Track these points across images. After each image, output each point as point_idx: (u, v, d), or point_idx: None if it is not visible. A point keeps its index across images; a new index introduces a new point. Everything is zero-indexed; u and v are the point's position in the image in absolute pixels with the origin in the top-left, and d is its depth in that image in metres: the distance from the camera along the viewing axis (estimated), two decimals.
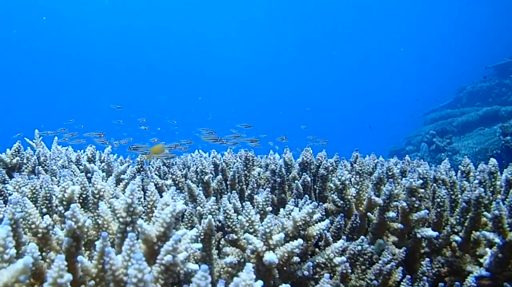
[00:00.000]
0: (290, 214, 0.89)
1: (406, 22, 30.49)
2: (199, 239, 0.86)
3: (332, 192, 1.25)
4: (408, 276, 0.94)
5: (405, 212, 1.09)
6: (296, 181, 1.28)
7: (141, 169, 1.46)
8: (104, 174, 1.40)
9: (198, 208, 1.08)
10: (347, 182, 1.18)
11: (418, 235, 1.07)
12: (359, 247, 0.97)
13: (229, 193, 1.35)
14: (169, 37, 34.00)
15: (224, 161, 1.52)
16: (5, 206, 0.80)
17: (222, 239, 1.02)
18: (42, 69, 31.74)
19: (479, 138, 7.28)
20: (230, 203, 0.99)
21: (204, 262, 0.86)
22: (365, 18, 29.70)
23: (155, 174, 1.57)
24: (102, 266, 0.63)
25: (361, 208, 1.19)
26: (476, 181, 1.17)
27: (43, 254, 0.72)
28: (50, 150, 1.72)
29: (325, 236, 0.99)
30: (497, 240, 0.92)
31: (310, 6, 30.27)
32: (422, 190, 1.09)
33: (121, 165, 1.56)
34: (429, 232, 1.06)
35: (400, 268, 0.99)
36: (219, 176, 1.41)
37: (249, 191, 1.32)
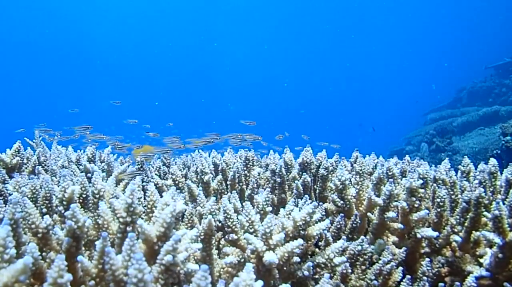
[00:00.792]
0: (290, 214, 0.89)
1: (406, 22, 30.49)
2: (199, 239, 0.85)
3: (332, 192, 1.25)
4: (408, 276, 0.94)
5: (405, 212, 1.09)
6: (296, 181, 1.28)
7: (141, 169, 1.46)
8: (104, 174, 1.40)
9: (198, 208, 1.08)
10: (347, 182, 1.18)
11: (418, 235, 1.07)
12: (359, 247, 0.97)
13: (229, 193, 1.35)
14: (159, 40, 33.95)
15: (224, 161, 1.52)
16: (5, 206, 0.80)
17: (222, 239, 1.02)
18: (42, 69, 31.75)
19: (479, 138, 7.29)
20: (230, 203, 0.99)
21: (204, 262, 0.86)
22: (365, 18, 29.68)
23: (155, 174, 1.57)
24: (102, 266, 0.63)
25: (361, 208, 1.19)
26: (476, 181, 1.17)
27: (43, 254, 0.72)
28: (50, 150, 1.72)
29: (325, 236, 0.99)
30: (497, 240, 0.92)
31: (310, 7, 30.27)
32: (422, 190, 1.09)
33: (121, 165, 1.56)
34: (429, 232, 1.06)
35: (400, 268, 0.99)
36: (219, 176, 1.41)
37: (249, 191, 1.32)
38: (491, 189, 1.18)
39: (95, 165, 1.45)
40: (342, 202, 1.19)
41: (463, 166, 1.29)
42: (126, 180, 1.30)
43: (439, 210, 1.09)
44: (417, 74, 33.29)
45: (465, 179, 1.26)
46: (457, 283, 0.94)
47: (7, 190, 1.02)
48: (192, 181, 1.41)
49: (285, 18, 31.35)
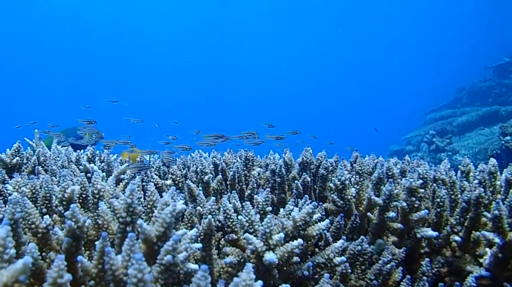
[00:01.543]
0: (290, 214, 0.89)
1: (406, 22, 30.47)
2: (199, 239, 0.85)
3: (332, 192, 1.25)
4: (408, 276, 0.94)
5: (405, 212, 1.09)
6: (296, 181, 1.28)
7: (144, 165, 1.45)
8: (104, 174, 1.40)
9: (198, 208, 1.08)
10: (347, 182, 1.18)
11: (418, 235, 1.07)
12: (359, 247, 0.97)
13: (229, 193, 1.35)
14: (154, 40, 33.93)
15: (224, 161, 1.52)
16: (5, 206, 0.80)
17: (222, 239, 1.02)
18: (42, 69, 31.73)
19: (479, 138, 7.29)
20: (230, 203, 0.99)
21: (204, 262, 0.86)
22: (365, 18, 29.68)
23: (155, 174, 1.56)
24: (102, 266, 0.63)
25: (361, 208, 1.19)
26: (476, 181, 1.17)
27: (43, 254, 0.72)
28: (50, 150, 1.72)
29: (325, 236, 0.99)
30: (497, 240, 0.92)
31: (309, 6, 30.28)
32: (422, 190, 1.09)
33: (121, 165, 1.56)
34: (429, 232, 1.06)
35: (400, 268, 0.99)
36: (219, 176, 1.41)
37: (249, 191, 1.32)
38: (491, 189, 1.18)
39: (95, 165, 1.45)
40: (342, 202, 1.19)
41: (463, 166, 1.29)
42: (131, 174, 1.30)
43: (439, 210, 1.09)
44: (417, 74, 33.29)
45: (465, 179, 1.26)
46: (457, 283, 0.94)
47: (7, 190, 1.02)
48: (192, 181, 1.41)
49: (285, 18, 31.39)
